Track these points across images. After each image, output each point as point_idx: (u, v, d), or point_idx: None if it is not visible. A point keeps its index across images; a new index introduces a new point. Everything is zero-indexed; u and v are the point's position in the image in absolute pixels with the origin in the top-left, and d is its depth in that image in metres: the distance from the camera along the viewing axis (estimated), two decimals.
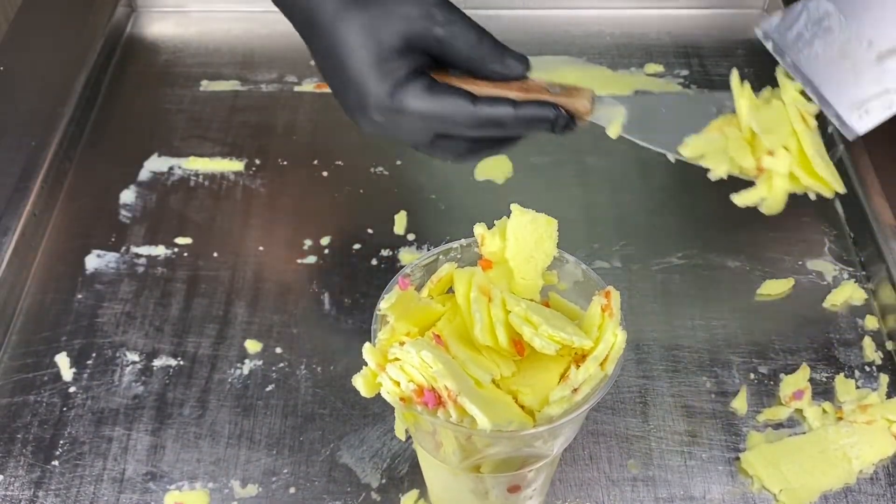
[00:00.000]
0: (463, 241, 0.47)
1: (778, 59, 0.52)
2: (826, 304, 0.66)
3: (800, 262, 0.69)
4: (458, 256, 0.48)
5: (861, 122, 0.49)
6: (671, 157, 0.51)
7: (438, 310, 0.45)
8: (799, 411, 0.60)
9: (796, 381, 0.61)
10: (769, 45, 0.52)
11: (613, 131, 0.51)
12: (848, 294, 0.67)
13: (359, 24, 0.48)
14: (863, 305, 0.67)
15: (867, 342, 0.64)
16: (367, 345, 0.42)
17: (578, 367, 0.42)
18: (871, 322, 0.65)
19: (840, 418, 0.59)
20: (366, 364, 0.42)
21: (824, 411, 0.59)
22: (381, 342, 0.43)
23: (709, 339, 0.64)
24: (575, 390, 0.42)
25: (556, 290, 0.47)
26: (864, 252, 0.69)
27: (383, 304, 0.43)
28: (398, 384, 0.41)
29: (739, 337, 0.64)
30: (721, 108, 0.52)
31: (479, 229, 0.46)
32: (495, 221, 0.47)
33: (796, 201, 0.73)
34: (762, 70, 0.86)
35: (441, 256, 0.47)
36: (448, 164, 0.76)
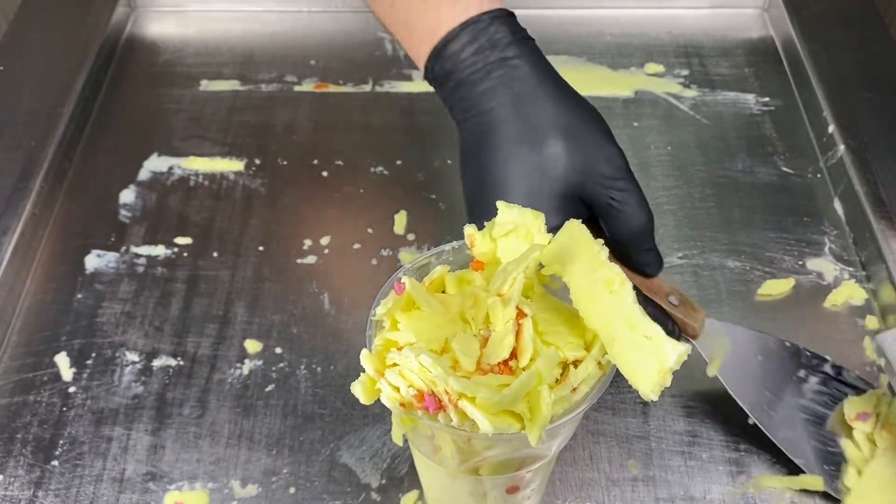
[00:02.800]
0: (455, 244, 0.47)
1: (889, 375, 0.54)
2: (826, 304, 0.66)
3: (800, 262, 0.69)
4: (451, 259, 0.47)
5: None
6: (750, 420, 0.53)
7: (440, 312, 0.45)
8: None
9: (863, 404, 0.57)
10: (882, 362, 0.54)
11: (712, 370, 0.51)
12: (848, 294, 0.67)
13: (537, 153, 0.46)
14: (863, 305, 0.66)
15: (867, 342, 0.64)
16: (364, 351, 0.42)
17: (576, 366, 0.42)
18: (871, 322, 0.65)
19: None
20: (363, 370, 0.41)
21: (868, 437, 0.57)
22: (377, 347, 0.42)
23: None
24: (573, 390, 0.42)
25: (551, 289, 0.46)
26: (864, 252, 0.69)
27: (378, 310, 0.43)
28: (398, 390, 0.40)
29: None
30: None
31: (469, 230, 0.46)
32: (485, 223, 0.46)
33: (797, 201, 0.74)
34: (762, 70, 0.86)
35: (433, 259, 0.47)
36: (448, 163, 0.77)
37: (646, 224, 0.49)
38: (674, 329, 0.49)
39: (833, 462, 0.55)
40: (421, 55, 0.53)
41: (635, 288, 0.40)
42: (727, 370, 0.54)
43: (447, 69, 0.51)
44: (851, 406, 0.58)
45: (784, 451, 0.55)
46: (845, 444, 0.56)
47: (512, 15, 0.52)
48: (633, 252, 0.49)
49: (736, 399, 0.55)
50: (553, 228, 0.45)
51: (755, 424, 0.59)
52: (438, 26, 0.51)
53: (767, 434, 0.55)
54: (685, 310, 0.50)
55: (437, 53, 0.51)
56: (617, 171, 0.48)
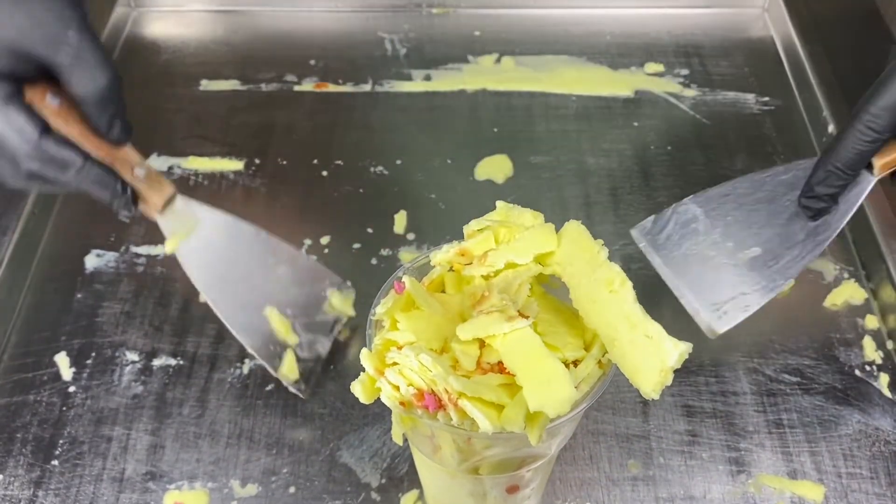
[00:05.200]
0: (455, 244, 0.47)
1: (649, 258, 0.55)
2: (826, 304, 0.66)
3: None
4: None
5: (720, 322, 0.52)
6: None
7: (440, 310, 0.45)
8: None
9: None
10: (642, 246, 0.55)
11: (169, 246, 0.50)
12: (848, 294, 0.67)
13: None
14: (863, 305, 0.66)
15: (867, 342, 0.64)
16: (364, 350, 0.42)
17: (577, 366, 0.42)
18: (871, 322, 0.65)
19: None
20: (363, 369, 0.41)
21: None
22: (377, 346, 0.42)
23: (709, 339, 0.64)
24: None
25: (551, 289, 0.46)
26: (864, 252, 0.69)
27: (378, 309, 0.43)
28: (397, 389, 0.40)
29: (739, 337, 0.64)
30: None
31: (476, 225, 0.45)
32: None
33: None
34: (762, 70, 0.86)
35: (433, 258, 0.47)
36: (448, 163, 0.77)
37: (107, 84, 0.45)
38: (126, 194, 0.48)
39: None
40: None
41: None
42: (189, 249, 0.53)
43: None
44: None
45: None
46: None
47: None
48: (95, 116, 0.46)
49: (189, 276, 0.55)
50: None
51: (754, 422, 0.59)
52: None
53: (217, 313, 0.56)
54: (151, 183, 0.48)
55: None
56: (65, 21, 0.43)
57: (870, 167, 0.49)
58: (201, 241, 0.55)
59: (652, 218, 0.56)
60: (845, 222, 0.51)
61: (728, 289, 0.52)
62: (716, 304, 0.52)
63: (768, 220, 0.53)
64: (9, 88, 0.43)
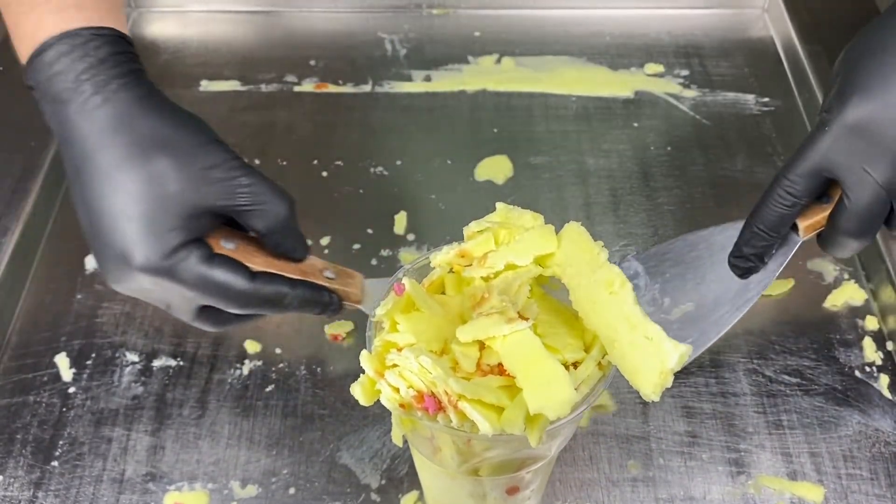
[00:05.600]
0: (455, 245, 0.47)
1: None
2: (826, 305, 0.66)
3: (800, 262, 0.69)
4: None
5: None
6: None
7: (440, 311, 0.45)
8: None
9: None
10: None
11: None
12: (848, 294, 0.67)
13: (143, 175, 0.43)
14: (863, 306, 0.66)
15: (867, 342, 0.64)
16: (363, 352, 0.42)
17: (576, 367, 0.42)
18: (871, 322, 0.65)
19: None
20: (363, 371, 0.41)
21: None
22: (377, 348, 0.42)
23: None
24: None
25: (551, 291, 0.46)
26: (864, 252, 0.69)
27: (378, 311, 0.43)
28: (397, 390, 0.40)
29: (739, 337, 0.64)
30: None
31: (476, 226, 0.45)
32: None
33: None
34: (762, 70, 0.86)
35: (433, 260, 0.47)
36: (448, 163, 0.77)
37: (286, 212, 0.47)
38: (333, 300, 0.49)
39: None
40: (22, 57, 0.47)
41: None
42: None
43: (40, 80, 0.45)
44: None
45: None
46: None
47: (123, 37, 0.47)
48: (281, 244, 0.47)
49: None
50: (179, 246, 0.43)
51: (754, 423, 0.59)
52: (39, 30, 0.46)
53: None
54: (342, 280, 0.49)
55: (33, 60, 0.46)
56: (232, 170, 0.45)
57: (796, 228, 0.50)
58: None
59: None
60: (771, 281, 0.52)
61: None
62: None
63: (703, 277, 0.54)
64: (204, 248, 0.45)
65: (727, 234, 0.53)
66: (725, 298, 0.53)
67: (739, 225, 0.52)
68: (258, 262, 0.46)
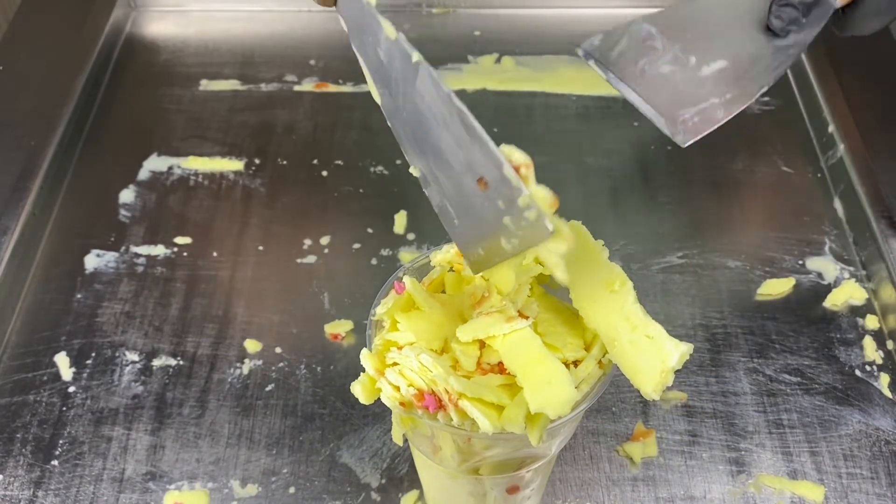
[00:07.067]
0: (455, 244, 0.47)
1: (601, 74, 0.53)
2: (826, 304, 0.66)
3: (800, 262, 0.69)
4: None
5: (685, 136, 0.50)
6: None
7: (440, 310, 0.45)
8: None
9: None
10: (590, 63, 0.53)
11: None
12: (848, 294, 0.67)
13: None
14: (863, 305, 0.66)
15: (868, 342, 0.64)
16: (364, 351, 0.42)
17: (577, 366, 0.42)
18: (871, 322, 0.65)
19: None
20: (363, 370, 0.41)
21: None
22: (377, 346, 0.42)
23: (709, 339, 0.64)
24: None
25: (551, 289, 0.46)
26: (864, 252, 0.69)
27: (378, 310, 0.43)
28: (398, 389, 0.40)
29: (739, 337, 0.64)
30: None
31: None
32: None
33: (797, 201, 0.74)
34: None
35: (433, 258, 0.47)
36: None
37: None
38: None
39: None
40: None
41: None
42: None
43: None
44: None
45: None
46: None
47: None
48: None
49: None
50: None
51: (755, 423, 0.59)
52: None
53: None
54: None
55: None
56: None
57: None
58: None
59: (600, 35, 0.54)
60: (809, 41, 0.50)
61: (692, 101, 0.51)
62: (679, 117, 0.51)
63: (730, 37, 0.51)
64: None
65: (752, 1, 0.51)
66: (763, 55, 0.50)
67: None
68: None
